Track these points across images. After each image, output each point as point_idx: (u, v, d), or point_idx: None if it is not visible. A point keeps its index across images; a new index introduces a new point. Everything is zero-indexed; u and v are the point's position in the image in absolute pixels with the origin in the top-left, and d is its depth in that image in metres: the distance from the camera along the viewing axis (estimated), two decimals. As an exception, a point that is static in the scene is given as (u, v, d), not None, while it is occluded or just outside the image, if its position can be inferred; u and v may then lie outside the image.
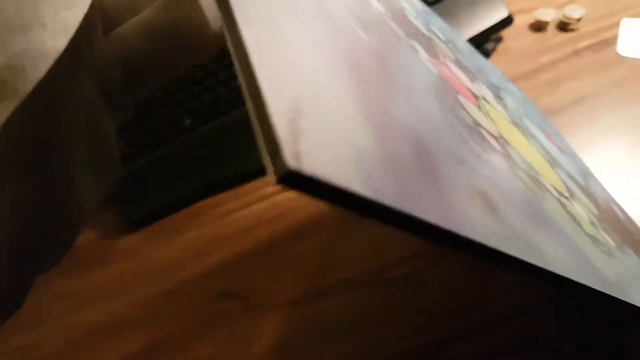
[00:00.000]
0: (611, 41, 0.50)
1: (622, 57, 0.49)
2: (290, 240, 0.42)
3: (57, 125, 0.14)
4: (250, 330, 0.38)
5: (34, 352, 0.37)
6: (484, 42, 0.50)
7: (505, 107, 0.29)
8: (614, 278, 0.17)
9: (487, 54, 0.50)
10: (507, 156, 0.18)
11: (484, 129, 0.19)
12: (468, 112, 0.19)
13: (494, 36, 0.51)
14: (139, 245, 0.44)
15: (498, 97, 0.30)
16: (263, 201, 0.44)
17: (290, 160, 0.06)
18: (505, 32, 0.52)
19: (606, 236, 0.22)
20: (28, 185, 0.13)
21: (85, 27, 0.14)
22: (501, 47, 0.52)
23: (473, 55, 0.38)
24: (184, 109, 0.47)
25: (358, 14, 0.17)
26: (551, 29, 0.53)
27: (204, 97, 0.48)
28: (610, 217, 0.28)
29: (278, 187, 0.44)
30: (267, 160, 0.07)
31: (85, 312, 0.41)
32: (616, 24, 0.52)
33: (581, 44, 0.51)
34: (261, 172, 0.45)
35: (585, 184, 0.30)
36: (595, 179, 0.37)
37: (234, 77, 0.48)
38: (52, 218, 0.15)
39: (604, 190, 0.37)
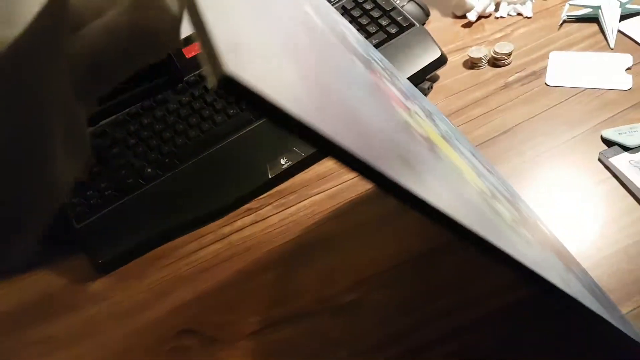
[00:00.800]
0: (539, 73, 0.55)
1: (549, 87, 0.54)
2: (246, 276, 0.44)
3: (38, 103, 0.16)
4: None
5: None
6: (421, 81, 0.54)
7: (436, 125, 0.33)
8: (531, 256, 0.21)
9: (424, 92, 0.54)
10: (433, 151, 0.22)
11: (415, 129, 0.23)
12: (400, 114, 0.23)
13: (430, 75, 0.55)
14: (107, 289, 0.47)
15: (430, 119, 0.34)
16: (220, 241, 0.47)
17: (228, 67, 0.09)
18: (442, 71, 0.56)
19: (526, 233, 0.26)
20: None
21: (54, 24, 0.16)
22: (438, 85, 0.56)
23: (410, 87, 0.42)
24: (145, 159, 0.51)
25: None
26: (484, 65, 0.57)
27: (163, 148, 0.51)
28: (535, 228, 0.32)
29: (233, 227, 0.48)
30: (209, 71, 0.09)
31: (57, 356, 0.44)
32: (543, 57, 0.56)
33: (511, 78, 0.55)
34: (217, 214, 0.49)
35: (512, 199, 0.34)
36: (523, 201, 0.41)
37: (191, 127, 0.52)
38: (33, 185, 0.16)
39: (531, 210, 0.40)
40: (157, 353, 0.42)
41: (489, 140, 0.50)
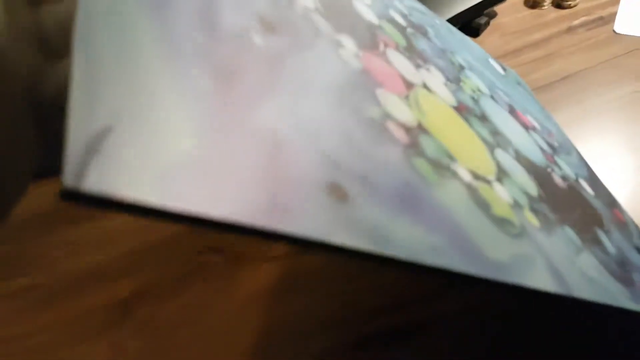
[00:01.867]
0: (607, 19, 0.50)
1: (617, 35, 0.49)
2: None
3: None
4: (231, 281, 0.41)
5: (31, 293, 0.41)
6: (477, 16, 0.50)
7: (458, 90, 0.30)
8: (504, 259, 0.19)
9: (478, 29, 0.50)
10: (410, 146, 0.20)
11: (395, 120, 0.21)
12: (380, 106, 0.21)
13: (487, 11, 0.51)
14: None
15: (456, 80, 0.32)
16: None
17: (69, 179, 0.09)
18: (500, 8, 0.52)
19: (531, 217, 0.24)
20: None
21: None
22: (495, 22, 0.52)
23: (445, 37, 0.39)
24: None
25: (265, 14, 0.19)
26: (547, 5, 0.52)
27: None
28: (565, 195, 0.30)
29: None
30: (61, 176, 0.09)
31: (79, 260, 0.45)
32: (613, 2, 0.51)
33: (576, 21, 0.51)
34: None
35: (545, 163, 0.32)
36: (572, 155, 0.38)
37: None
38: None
39: (580, 165, 0.38)
40: (180, 266, 0.42)
41: (546, 85, 0.47)
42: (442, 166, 0.21)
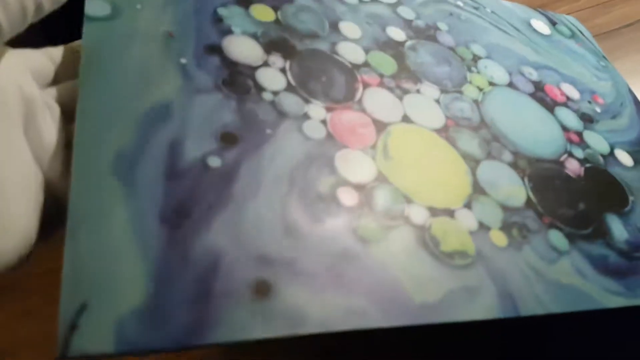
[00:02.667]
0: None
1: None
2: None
3: None
4: None
5: None
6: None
7: (455, 99, 0.32)
8: (434, 299, 0.23)
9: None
10: (358, 208, 0.24)
11: (349, 184, 0.25)
12: (336, 174, 0.25)
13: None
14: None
15: (459, 82, 0.33)
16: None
17: (59, 350, 0.16)
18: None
19: (498, 237, 0.26)
20: None
21: None
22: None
23: (467, 22, 0.39)
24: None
25: (227, 126, 0.24)
26: None
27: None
28: (574, 186, 0.31)
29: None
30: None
31: None
32: None
33: None
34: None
35: (559, 152, 0.32)
36: (620, 117, 0.37)
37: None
38: None
39: (627, 128, 0.37)
40: None
41: (609, 31, 0.44)
42: (393, 216, 0.25)
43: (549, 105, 0.36)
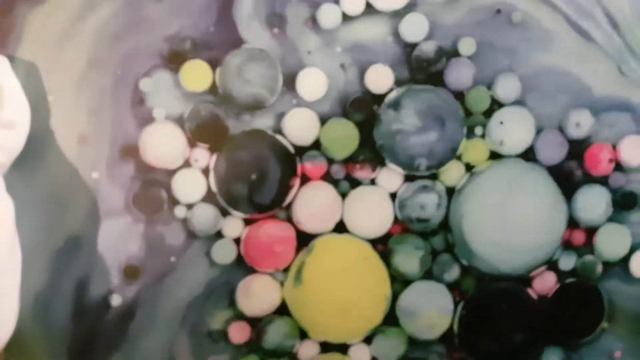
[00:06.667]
0: None
1: None
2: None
3: None
4: None
5: None
6: None
7: (420, 190, 0.27)
8: None
9: None
10: (246, 345, 0.26)
11: (240, 318, 0.26)
12: (232, 308, 0.26)
13: None
14: None
15: (437, 164, 0.27)
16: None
17: None
18: None
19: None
20: None
21: None
22: None
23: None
24: None
25: (131, 259, 0.26)
26: None
27: None
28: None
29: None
30: None
31: None
32: None
33: None
34: None
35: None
36: None
37: None
38: None
39: None
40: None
41: None
42: (281, 352, 0.27)
43: (575, 182, 0.27)
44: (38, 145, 0.25)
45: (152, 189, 0.26)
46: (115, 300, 0.27)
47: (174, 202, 0.26)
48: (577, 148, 0.27)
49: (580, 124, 0.27)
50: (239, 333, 0.27)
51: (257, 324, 0.27)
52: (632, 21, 0.27)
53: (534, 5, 0.26)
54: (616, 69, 0.27)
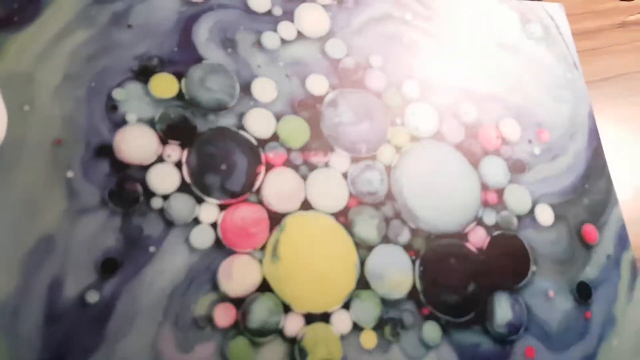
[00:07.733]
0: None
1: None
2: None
3: None
4: None
5: None
6: None
7: (365, 169, 0.32)
8: None
9: None
10: (233, 327, 0.27)
11: (227, 299, 0.27)
12: (215, 291, 0.27)
13: None
14: None
15: (376, 145, 0.32)
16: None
17: None
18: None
19: (368, 338, 0.29)
20: None
21: None
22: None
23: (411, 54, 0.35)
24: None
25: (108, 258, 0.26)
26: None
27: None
28: (470, 261, 0.32)
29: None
30: None
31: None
32: None
33: (632, 17, 0.38)
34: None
35: (467, 220, 0.33)
36: (563, 156, 0.36)
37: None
38: None
39: (567, 171, 0.36)
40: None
41: (587, 82, 0.40)
42: (268, 330, 0.27)
43: (477, 156, 0.35)
44: (10, 150, 0.26)
45: (127, 183, 0.28)
46: (92, 297, 0.26)
47: (149, 195, 0.28)
48: (472, 130, 0.35)
49: (469, 112, 0.35)
50: (224, 315, 0.27)
51: (241, 305, 0.28)
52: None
53: (415, 32, 0.36)
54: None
